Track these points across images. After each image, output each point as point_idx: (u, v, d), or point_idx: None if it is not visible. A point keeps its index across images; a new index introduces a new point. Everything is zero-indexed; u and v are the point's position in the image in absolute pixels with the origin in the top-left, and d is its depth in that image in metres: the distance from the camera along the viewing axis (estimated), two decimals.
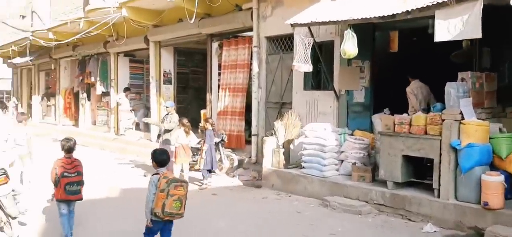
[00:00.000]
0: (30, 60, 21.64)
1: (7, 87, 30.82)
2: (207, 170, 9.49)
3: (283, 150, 8.97)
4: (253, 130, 10.84)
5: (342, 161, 8.11)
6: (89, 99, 19.15)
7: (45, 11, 18.24)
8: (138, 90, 17.35)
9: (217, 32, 12.16)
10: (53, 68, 21.31)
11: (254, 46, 10.63)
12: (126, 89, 16.31)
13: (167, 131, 10.26)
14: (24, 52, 21.26)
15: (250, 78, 11.40)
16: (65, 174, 5.51)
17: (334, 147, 8.01)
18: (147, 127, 16.17)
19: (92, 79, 17.81)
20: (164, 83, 14.63)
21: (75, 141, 5.94)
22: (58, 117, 21.13)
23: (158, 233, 5.03)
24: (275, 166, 8.96)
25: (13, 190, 5.62)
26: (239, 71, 11.60)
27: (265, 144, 9.16)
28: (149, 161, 12.21)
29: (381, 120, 7.29)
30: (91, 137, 17.41)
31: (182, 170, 9.50)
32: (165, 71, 14.64)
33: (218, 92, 12.36)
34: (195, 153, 10.37)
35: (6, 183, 5.48)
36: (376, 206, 7.08)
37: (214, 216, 7.18)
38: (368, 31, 8.35)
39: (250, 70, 11.34)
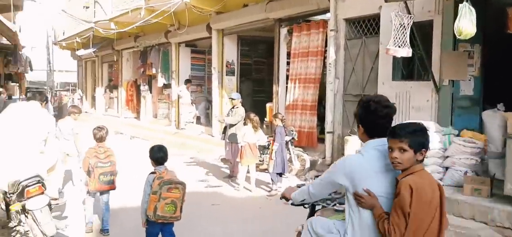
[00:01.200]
0: (93, 52, 21.57)
1: (73, 79, 31.48)
2: (277, 174, 8.23)
3: None
4: (328, 126, 9.45)
5: (446, 168, 6.54)
6: (150, 92, 18.61)
7: (108, 1, 17.87)
8: (200, 82, 16.48)
9: (287, 16, 10.86)
10: (115, 59, 21.09)
11: (331, 30, 9.20)
12: (187, 81, 15.48)
13: (232, 125, 9.15)
14: (88, 43, 21.24)
15: (323, 67, 10.02)
16: (99, 164, 5.43)
17: (437, 151, 6.46)
18: (207, 120, 15.29)
19: (154, 70, 17.19)
20: (226, 74, 13.57)
21: (107, 130, 5.81)
22: (120, 110, 20.87)
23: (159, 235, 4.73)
24: None
25: (51, 201, 4.63)
26: (311, 60, 10.23)
27: (348, 144, 7.77)
28: (211, 159, 11.19)
29: (507, 119, 5.63)
30: (151, 131, 16.81)
31: (248, 172, 8.35)
32: (228, 62, 13.57)
33: (286, 83, 11.08)
34: (262, 152, 9.20)
35: (41, 193, 4.54)
36: (499, 229, 5.48)
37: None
38: (480, 6, 6.66)
39: (324, 58, 9.95)
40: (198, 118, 15.58)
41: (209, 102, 15.26)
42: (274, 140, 8.24)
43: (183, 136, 14.72)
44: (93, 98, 24.96)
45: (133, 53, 19.94)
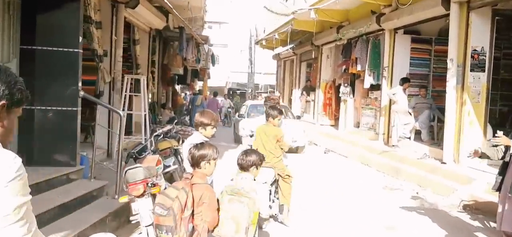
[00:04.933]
0: (291, 49, 19.06)
1: (273, 82, 30.15)
2: None
3: None
4: None
5: None
6: (353, 95, 14.85)
7: None
8: (422, 83, 11.92)
9: None
10: (314, 57, 18.08)
11: None
12: (404, 81, 11.14)
13: None
14: (286, 40, 18.84)
15: None
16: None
17: None
18: (431, 136, 10.67)
19: (359, 67, 13.34)
20: (471, 70, 8.78)
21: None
22: (317, 115, 17.71)
23: None
24: None
25: None
26: None
27: None
28: (447, 204, 6.75)
29: None
30: (352, 144, 13.01)
31: None
32: (474, 50, 8.77)
33: None
34: None
35: None
36: None
37: None
38: None
39: None
40: (417, 133, 11.09)
41: (440, 111, 10.66)
42: None
43: (396, 158, 10.45)
44: (290, 101, 22.60)
45: (335, 48, 16.51)
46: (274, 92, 26.73)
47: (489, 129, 9.11)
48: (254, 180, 4.08)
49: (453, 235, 5.84)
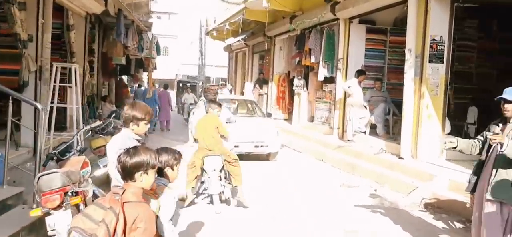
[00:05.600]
0: (243, 39, 18.32)
1: (225, 74, 29.32)
2: None
3: None
4: None
5: None
6: (306, 88, 14.35)
7: None
8: (377, 75, 11.56)
9: None
10: (266, 48, 17.44)
11: None
12: (360, 73, 10.70)
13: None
14: (238, 31, 18.08)
15: None
16: None
17: None
18: (387, 130, 10.36)
19: (313, 59, 12.82)
20: (430, 61, 8.42)
21: None
22: (270, 109, 17.10)
23: None
24: None
25: None
26: None
27: None
28: (408, 203, 7.20)
29: None
30: (305, 139, 12.50)
31: None
32: (433, 40, 8.41)
33: None
34: None
35: None
36: None
37: None
38: None
39: None
40: (373, 127, 10.71)
41: (395, 105, 10.34)
42: None
43: (352, 153, 10.00)
44: (242, 94, 21.89)
45: (288, 39, 15.95)
46: (225, 85, 25.94)
47: (447, 123, 8.83)
48: (170, 183, 3.24)
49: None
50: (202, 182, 6.66)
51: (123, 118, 3.75)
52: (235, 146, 9.00)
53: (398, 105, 10.19)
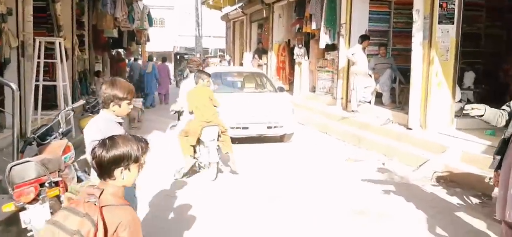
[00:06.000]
0: (240, 7, 17.62)
1: (223, 45, 28.61)
2: None
3: None
4: None
5: None
6: (308, 56, 13.80)
7: None
8: (381, 40, 10.98)
9: None
10: (265, 16, 16.78)
11: None
12: (364, 38, 10.13)
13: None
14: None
15: None
16: None
17: None
18: (393, 100, 9.88)
19: (313, 26, 12.22)
20: (439, 22, 7.84)
21: None
22: None
23: None
24: None
25: None
26: None
27: None
28: (418, 177, 6.68)
29: None
30: (308, 111, 12.02)
31: None
32: (443, 0, 7.83)
33: None
34: None
35: None
36: None
37: None
38: None
39: None
40: (378, 96, 10.23)
41: (402, 73, 9.82)
42: None
43: (357, 125, 9.54)
44: (241, 65, 21.32)
45: (287, 5, 15.28)
46: (223, 56, 25.32)
47: (458, 91, 8.32)
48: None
49: (435, 219, 4.92)
50: (195, 152, 6.61)
51: (101, 98, 3.27)
52: (243, 128, 8.47)
53: (404, 72, 9.69)
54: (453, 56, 7.93)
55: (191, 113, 6.53)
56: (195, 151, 6.56)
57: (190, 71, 7.55)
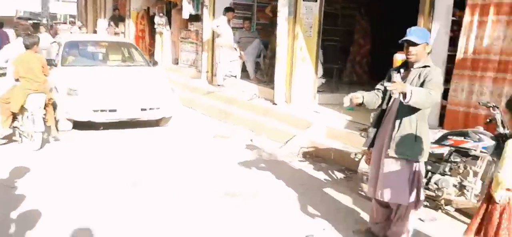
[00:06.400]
0: None
1: (73, 11, 25.81)
2: None
3: None
4: None
5: None
6: (169, 26, 13.03)
7: None
8: (246, 14, 10.82)
9: None
10: None
11: None
12: (228, 10, 9.83)
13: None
14: None
15: None
16: None
17: None
18: (260, 73, 9.86)
19: None
20: None
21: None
22: None
23: None
24: None
25: None
26: None
27: None
28: (286, 154, 6.73)
29: None
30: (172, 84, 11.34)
31: None
32: None
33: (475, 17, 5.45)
34: None
35: None
36: None
37: None
38: None
39: None
40: (244, 69, 10.10)
41: (265, 46, 9.80)
42: None
43: (223, 99, 9.27)
44: (95, 33, 19.42)
45: None
46: (74, 22, 22.83)
47: (320, 67, 8.58)
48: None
49: (305, 197, 4.87)
50: (16, 121, 6.39)
51: None
52: (110, 111, 7.07)
53: (267, 46, 9.76)
54: (316, 33, 8.11)
55: (17, 80, 6.22)
56: (16, 119, 6.35)
57: (17, 36, 7.51)
